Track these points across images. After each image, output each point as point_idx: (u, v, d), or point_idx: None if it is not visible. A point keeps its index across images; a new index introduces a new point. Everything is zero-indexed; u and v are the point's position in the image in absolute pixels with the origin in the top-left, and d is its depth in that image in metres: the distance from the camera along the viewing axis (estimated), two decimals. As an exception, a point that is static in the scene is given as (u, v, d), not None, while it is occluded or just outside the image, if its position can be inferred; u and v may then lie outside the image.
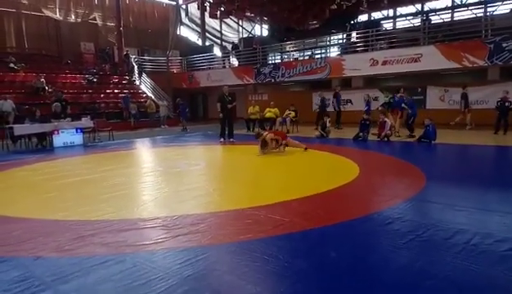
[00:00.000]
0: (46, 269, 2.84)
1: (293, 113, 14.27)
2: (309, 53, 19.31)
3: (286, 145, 8.58)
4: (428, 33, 14.84)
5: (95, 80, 19.60)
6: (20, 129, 10.72)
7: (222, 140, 11.46)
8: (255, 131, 8.21)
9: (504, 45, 12.27)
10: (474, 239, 3.20)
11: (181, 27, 26.46)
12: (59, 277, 2.70)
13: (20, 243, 3.42)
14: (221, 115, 11.38)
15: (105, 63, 22.00)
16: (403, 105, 11.51)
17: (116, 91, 20.01)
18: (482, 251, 2.97)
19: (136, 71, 21.72)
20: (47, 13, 20.16)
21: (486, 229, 3.45)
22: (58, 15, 20.63)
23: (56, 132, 10.99)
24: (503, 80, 13.26)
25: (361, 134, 10.94)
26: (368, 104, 14.25)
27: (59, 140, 11.05)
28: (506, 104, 10.95)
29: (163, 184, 6.04)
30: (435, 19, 21.96)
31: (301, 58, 19.30)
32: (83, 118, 12.36)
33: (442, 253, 2.96)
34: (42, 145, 11.04)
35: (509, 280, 2.54)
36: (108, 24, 22.69)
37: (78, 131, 11.58)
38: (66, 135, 11.22)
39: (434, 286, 2.47)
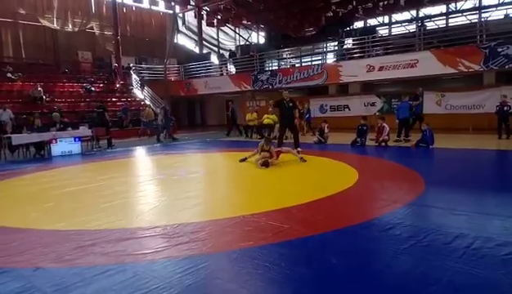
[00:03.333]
0: (46, 280, 2.81)
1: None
2: (308, 60, 19.41)
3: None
4: (424, 39, 14.97)
5: (93, 89, 19.63)
6: (17, 139, 10.69)
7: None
8: (264, 160, 7.84)
9: (499, 50, 12.37)
10: (475, 244, 3.20)
11: (179, 35, 26.54)
12: (59, 287, 2.68)
13: (19, 254, 3.39)
14: (277, 125, 10.12)
15: (108, 74, 22.07)
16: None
17: (114, 99, 20.03)
18: (483, 256, 2.97)
19: (134, 82, 21.74)
20: (45, 23, 20.22)
21: (486, 233, 3.45)
22: (55, 24, 20.69)
23: (53, 141, 10.97)
24: (498, 84, 13.36)
25: (358, 139, 10.97)
26: (309, 112, 15.11)
27: (57, 149, 11.01)
28: (505, 108, 11.00)
29: (162, 193, 6.03)
30: (430, 25, 22.15)
31: (298, 65, 19.40)
32: (80, 127, 12.35)
33: (444, 258, 2.96)
34: (40, 155, 11.01)
35: (511, 284, 2.53)
36: (105, 33, 22.75)
37: (76, 139, 11.55)
38: (64, 144, 11.19)
39: (437, 291, 2.47)
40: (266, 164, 7.61)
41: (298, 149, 9.21)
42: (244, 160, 8.42)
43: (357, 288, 2.58)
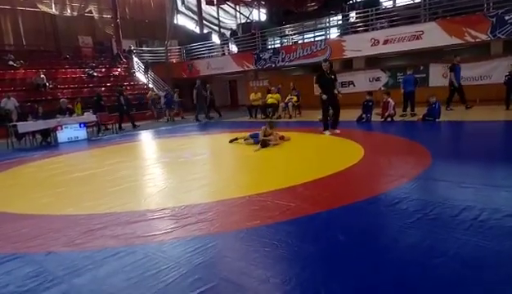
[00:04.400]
0: (58, 264, 2.88)
1: (295, 98, 14.18)
2: (311, 36, 19.07)
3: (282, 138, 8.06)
4: (429, 10, 14.60)
5: (95, 74, 19.57)
6: (23, 126, 10.76)
7: (327, 132, 8.77)
8: (261, 138, 7.64)
9: (506, 18, 12.05)
10: (482, 215, 3.20)
11: (178, 15, 26.18)
12: (72, 270, 2.74)
13: (30, 239, 3.46)
14: (324, 96, 8.71)
15: (109, 58, 21.96)
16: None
17: (118, 83, 19.98)
18: (490, 227, 2.97)
19: (136, 65, 21.57)
20: (43, 8, 20.01)
21: (493, 205, 3.44)
22: (54, 9, 20.48)
23: (59, 128, 11.03)
24: (506, 54, 13.06)
25: (364, 115, 10.88)
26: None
27: (63, 135, 11.11)
28: None
29: (169, 175, 6.08)
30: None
31: (301, 41, 19.10)
32: (85, 113, 12.40)
33: (451, 230, 2.96)
34: (47, 142, 11.10)
35: (519, 254, 2.54)
36: (104, 16, 22.53)
37: (82, 125, 11.61)
38: (70, 131, 11.27)
39: (444, 263, 2.48)
40: (264, 144, 7.52)
41: (337, 130, 8.67)
42: (234, 140, 8.42)
43: (364, 263, 2.60)
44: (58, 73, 18.65)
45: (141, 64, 21.75)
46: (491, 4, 12.95)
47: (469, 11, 13.10)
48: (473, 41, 12.89)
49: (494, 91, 12.26)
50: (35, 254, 3.11)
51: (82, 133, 11.56)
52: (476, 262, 2.49)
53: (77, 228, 3.64)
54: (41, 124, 10.91)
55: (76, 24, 21.60)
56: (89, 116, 12.24)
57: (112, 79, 20.29)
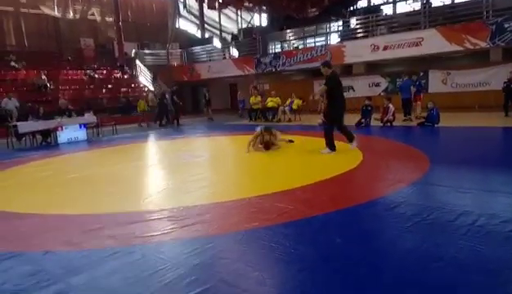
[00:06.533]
0: (56, 263, 2.88)
1: (299, 101, 14.10)
2: (312, 41, 19.16)
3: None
4: (429, 17, 14.69)
5: (96, 76, 19.63)
6: (23, 126, 10.78)
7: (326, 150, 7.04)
8: (264, 139, 7.58)
9: (506, 26, 12.14)
10: (480, 221, 3.20)
11: (180, 19, 26.28)
12: (69, 270, 2.74)
13: (28, 238, 3.46)
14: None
15: (111, 61, 22.06)
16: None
17: (118, 85, 20.06)
18: (487, 232, 2.97)
19: (138, 69, 21.57)
20: (46, 10, 20.15)
21: (491, 210, 3.44)
22: (56, 12, 20.62)
23: (59, 129, 11.05)
24: (505, 61, 13.13)
25: (363, 120, 10.91)
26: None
27: (63, 136, 11.12)
28: None
29: (168, 176, 6.08)
30: (435, 2, 21.68)
31: (301, 46, 19.18)
32: (85, 114, 12.42)
33: (448, 235, 2.97)
34: (47, 142, 11.11)
35: (515, 259, 2.54)
36: (107, 19, 22.66)
37: (82, 126, 11.64)
38: (70, 131, 11.29)
39: (441, 267, 2.48)
40: (267, 146, 7.50)
41: (354, 143, 7.05)
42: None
43: (361, 267, 2.60)
44: (59, 75, 18.72)
45: (142, 67, 21.77)
46: (490, 12, 13.04)
47: (469, 18, 13.19)
48: (472, 48, 12.97)
49: (493, 98, 12.32)
50: (33, 253, 3.12)
51: (82, 134, 11.58)
52: (473, 267, 2.49)
53: (75, 227, 3.65)
54: (41, 124, 10.92)
55: (78, 26, 21.72)
56: (89, 117, 12.27)
57: (113, 81, 20.35)
